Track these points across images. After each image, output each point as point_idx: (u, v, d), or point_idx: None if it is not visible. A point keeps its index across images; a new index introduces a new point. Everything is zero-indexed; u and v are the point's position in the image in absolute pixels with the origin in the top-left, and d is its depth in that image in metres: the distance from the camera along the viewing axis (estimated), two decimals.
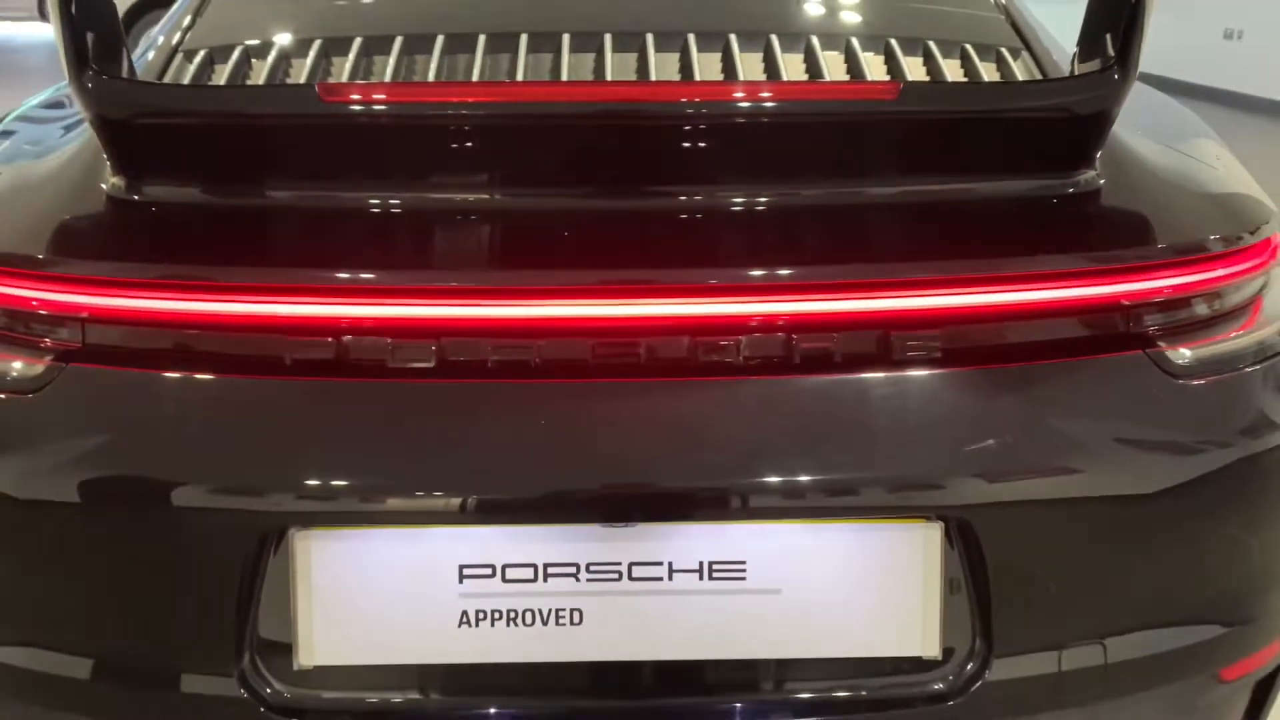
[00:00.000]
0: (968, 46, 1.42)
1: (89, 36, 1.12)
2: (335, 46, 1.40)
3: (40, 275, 1.10)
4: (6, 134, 1.45)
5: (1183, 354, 1.14)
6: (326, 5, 1.72)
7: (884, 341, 1.08)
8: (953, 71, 1.37)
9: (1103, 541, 1.11)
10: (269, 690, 1.08)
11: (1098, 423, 1.10)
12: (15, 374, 1.09)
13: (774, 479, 1.06)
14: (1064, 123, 1.16)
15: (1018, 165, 1.18)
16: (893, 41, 1.41)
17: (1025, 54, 1.47)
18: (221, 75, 1.37)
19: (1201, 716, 1.27)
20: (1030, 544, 1.09)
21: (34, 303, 1.10)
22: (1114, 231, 1.18)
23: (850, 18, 1.62)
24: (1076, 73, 1.24)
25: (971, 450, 1.07)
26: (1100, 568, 1.12)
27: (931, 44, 1.41)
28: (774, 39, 1.38)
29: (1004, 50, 1.45)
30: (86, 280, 1.09)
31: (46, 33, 16.62)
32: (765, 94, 1.16)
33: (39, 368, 1.09)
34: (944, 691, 1.10)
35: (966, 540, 1.07)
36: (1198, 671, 1.20)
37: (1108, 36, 1.17)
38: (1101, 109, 1.14)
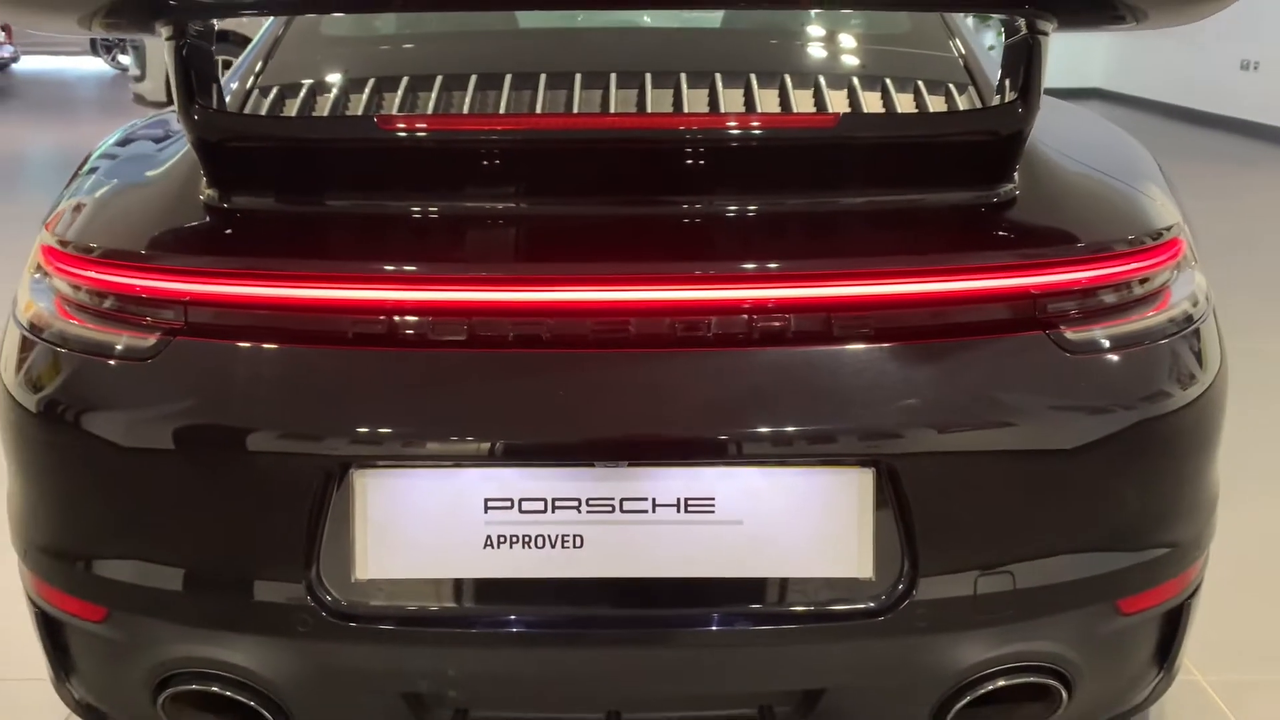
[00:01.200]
0: (920, 83, 1.68)
1: (194, 77, 1.40)
2: (385, 84, 1.67)
3: (152, 268, 1.36)
4: (93, 170, 1.72)
5: (1079, 334, 1.37)
6: (373, 50, 2.01)
7: (829, 322, 1.33)
8: (905, 104, 1.63)
9: (1005, 486, 1.35)
10: (329, 598, 1.33)
11: (1002, 390, 1.34)
12: (133, 345, 1.36)
13: (737, 431, 1.31)
14: (979, 146, 1.41)
15: (945, 180, 1.43)
16: (855, 80, 1.67)
17: (971, 89, 1.73)
18: (292, 108, 1.65)
19: (1110, 646, 1.48)
20: (945, 486, 1.33)
21: (141, 289, 1.37)
22: (1022, 235, 1.42)
23: (821, 61, 1.88)
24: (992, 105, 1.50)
25: (896, 410, 1.31)
26: (1004, 508, 1.35)
27: (889, 81, 1.67)
28: (752, 78, 1.64)
29: (952, 85, 1.71)
30: (190, 271, 1.35)
31: (95, 66, 17.18)
32: (733, 123, 1.43)
33: (151, 340, 1.35)
34: (877, 608, 1.34)
35: (894, 482, 1.31)
36: (1095, 601, 1.42)
37: (1018, 74, 1.41)
38: (1009, 134, 1.39)
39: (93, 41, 16.92)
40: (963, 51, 1.85)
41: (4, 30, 14.06)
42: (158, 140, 1.77)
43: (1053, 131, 1.67)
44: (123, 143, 1.85)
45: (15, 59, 14.45)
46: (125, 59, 16.69)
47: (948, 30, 1.90)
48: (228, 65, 2.00)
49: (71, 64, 17.67)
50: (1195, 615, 1.61)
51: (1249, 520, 2.81)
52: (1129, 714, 1.61)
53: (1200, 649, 2.20)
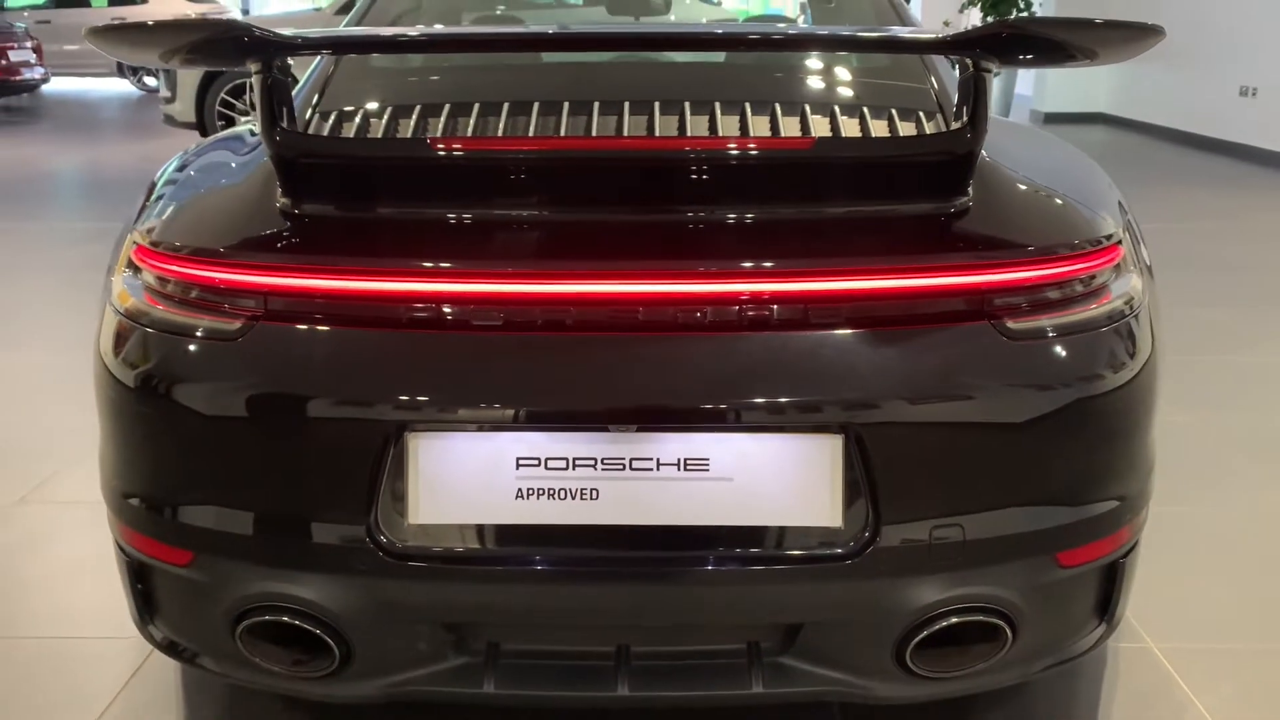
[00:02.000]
0: (894, 111, 1.93)
1: (275, 104, 1.65)
2: (429, 110, 1.93)
3: (240, 264, 1.61)
4: (174, 180, 1.96)
5: (1021, 325, 1.61)
6: (417, 79, 2.27)
7: (806, 311, 1.57)
8: (879, 128, 1.88)
9: (953, 451, 1.58)
10: (384, 540, 1.57)
11: (950, 369, 1.57)
12: (222, 328, 1.60)
13: (729, 402, 1.54)
14: (935, 164, 1.66)
15: (907, 192, 1.68)
16: (837, 108, 1.92)
17: (939, 116, 1.98)
18: (349, 131, 1.91)
19: (1050, 594, 1.69)
20: (902, 451, 1.56)
21: (230, 282, 1.61)
22: (972, 241, 1.65)
23: (809, 91, 2.14)
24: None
25: (861, 386, 1.55)
26: (953, 470, 1.59)
27: (866, 109, 1.92)
28: (747, 106, 1.89)
29: (922, 113, 1.97)
30: (271, 267, 1.60)
31: (119, 88, 17.59)
32: (730, 146, 1.68)
33: (238, 324, 1.60)
34: (846, 553, 1.57)
35: (860, 447, 1.55)
36: (1035, 554, 1.65)
37: (968, 104, 1.66)
38: (961, 155, 1.64)
39: (120, 65, 17.36)
40: (935, 86, 2.10)
41: (35, 52, 14.45)
42: (232, 154, 2.04)
43: (1013, 153, 1.93)
44: (199, 155, 2.11)
45: (46, 79, 14.83)
46: (151, 80, 17.12)
47: (924, 66, 2.15)
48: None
49: (93, 85, 18.13)
50: (1133, 573, 1.84)
51: (1204, 507, 3.06)
52: (1072, 660, 1.84)
53: (1154, 620, 2.44)
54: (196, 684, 2.21)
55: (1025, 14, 13.16)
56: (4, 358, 4.41)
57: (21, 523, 2.96)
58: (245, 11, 23.27)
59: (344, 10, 9.13)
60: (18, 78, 13.97)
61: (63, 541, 2.87)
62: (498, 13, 3.34)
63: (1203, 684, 2.24)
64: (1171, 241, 6.52)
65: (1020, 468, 1.63)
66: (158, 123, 13.12)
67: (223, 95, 9.06)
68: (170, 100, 9.32)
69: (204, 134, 9.36)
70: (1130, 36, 1.61)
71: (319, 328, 1.59)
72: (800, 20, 3.19)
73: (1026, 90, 13.97)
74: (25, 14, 17.02)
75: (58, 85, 16.39)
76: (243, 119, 9.18)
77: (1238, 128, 10.21)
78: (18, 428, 3.65)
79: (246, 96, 9.11)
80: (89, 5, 17.34)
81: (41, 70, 14.55)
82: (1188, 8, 11.31)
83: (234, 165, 1.99)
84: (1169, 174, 9.34)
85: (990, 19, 13.36)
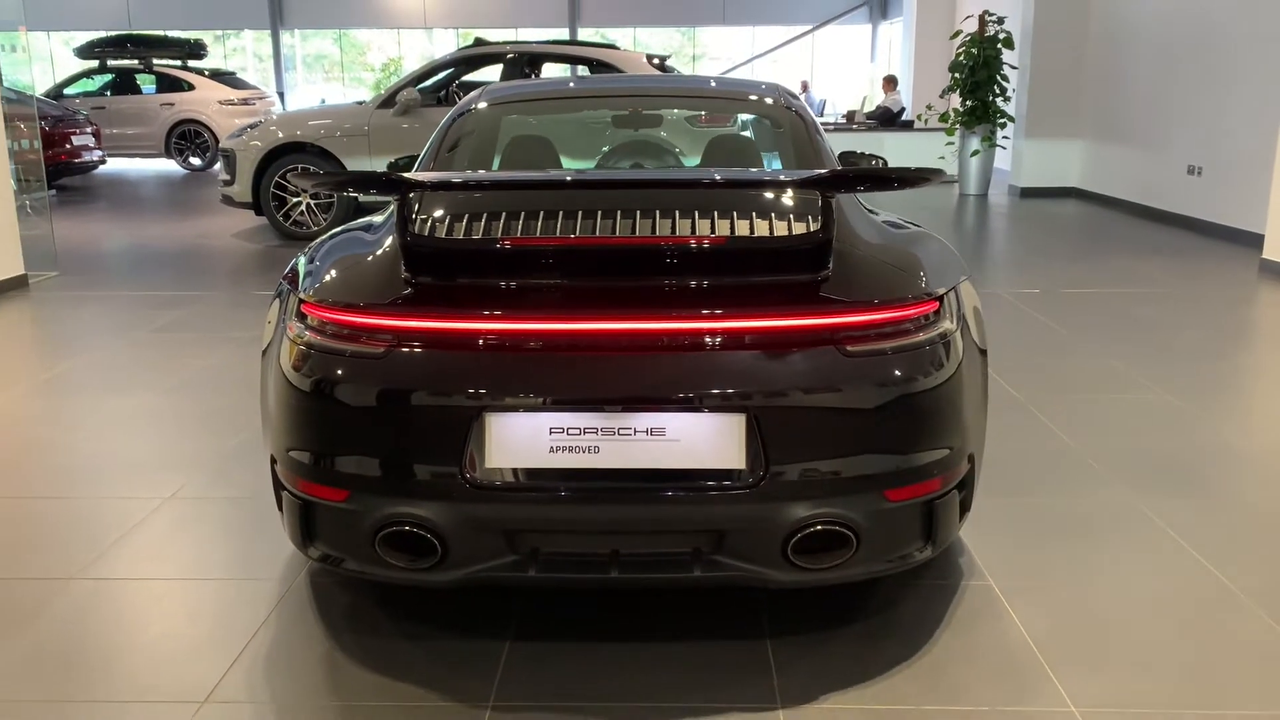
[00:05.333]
0: (791, 215, 2.99)
1: (406, 215, 2.73)
2: (492, 217, 2.99)
3: (381, 313, 2.67)
4: (312, 268, 3.02)
5: (856, 348, 2.64)
6: (479, 196, 3.35)
7: (726, 341, 2.61)
8: (779, 228, 2.92)
9: (813, 423, 2.59)
10: (470, 476, 2.58)
11: (810, 375, 2.60)
12: (371, 351, 2.64)
13: (679, 393, 2.56)
14: (804, 251, 2.72)
15: (791, 269, 2.73)
16: (754, 213, 2.98)
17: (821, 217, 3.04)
18: (443, 230, 2.96)
19: (883, 519, 2.66)
20: (782, 422, 2.57)
21: (376, 325, 2.67)
22: (827, 298, 2.68)
23: (741, 203, 3.18)
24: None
25: (757, 385, 2.57)
26: (814, 434, 2.59)
27: (774, 213, 2.98)
28: (696, 214, 2.94)
29: (810, 216, 3.02)
30: (402, 314, 2.65)
31: (165, 167, 18.78)
32: (677, 241, 2.72)
33: (381, 349, 2.65)
34: (749, 484, 2.57)
35: (757, 421, 2.56)
36: (869, 490, 2.64)
37: (823, 215, 2.72)
38: (818, 245, 2.69)
39: (167, 144, 18.65)
40: (833, 206, 3.15)
41: (94, 136, 15.73)
42: (363, 236, 3.11)
43: (881, 244, 2.98)
44: (335, 238, 3.19)
45: (103, 161, 16.09)
46: (196, 160, 18.40)
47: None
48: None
49: (132, 165, 19.35)
50: (951, 513, 2.81)
51: (1065, 500, 4.06)
52: (909, 567, 2.84)
53: (1000, 570, 3.42)
54: (328, 608, 3.23)
55: (999, 98, 14.37)
56: (120, 400, 5.45)
57: (173, 511, 4.00)
58: (280, 95, 24.74)
59: (385, 105, 10.34)
60: (79, 160, 15.24)
61: (205, 522, 3.91)
62: (533, 124, 4.44)
63: (1022, 606, 3.19)
64: (1102, 304, 7.56)
65: (854, 435, 2.64)
66: (206, 200, 14.25)
67: (276, 179, 10.21)
68: (229, 183, 10.45)
69: (258, 214, 10.51)
70: (926, 175, 2.68)
71: (431, 350, 2.64)
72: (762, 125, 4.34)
73: (1005, 165, 15.12)
74: (78, 100, 18.42)
75: (109, 164, 17.62)
76: (293, 199, 10.33)
77: (1186, 203, 11.30)
78: (149, 450, 4.70)
79: (295, 183, 10.26)
80: (140, 92, 18.77)
81: (100, 153, 15.82)
82: (1145, 94, 12.47)
83: (364, 246, 3.06)
84: (1121, 244, 10.36)
85: (970, 103, 14.57)
